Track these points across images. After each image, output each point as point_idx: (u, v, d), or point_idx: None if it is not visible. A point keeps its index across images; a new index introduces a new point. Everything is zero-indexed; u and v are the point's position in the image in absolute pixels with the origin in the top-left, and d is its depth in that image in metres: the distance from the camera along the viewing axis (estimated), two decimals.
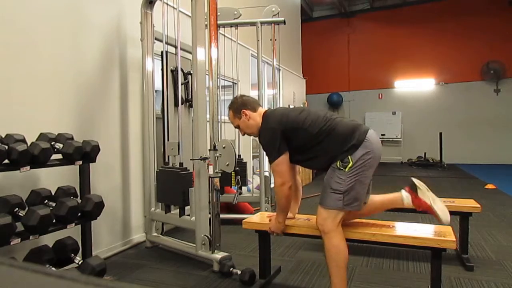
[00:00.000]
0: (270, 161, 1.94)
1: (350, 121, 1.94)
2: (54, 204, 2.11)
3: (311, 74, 10.52)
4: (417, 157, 10.38)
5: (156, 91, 3.32)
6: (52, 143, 2.16)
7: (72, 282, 0.31)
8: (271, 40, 4.18)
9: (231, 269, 2.44)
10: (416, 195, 1.96)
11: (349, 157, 1.82)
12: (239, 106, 2.09)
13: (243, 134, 2.18)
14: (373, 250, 2.89)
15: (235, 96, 2.24)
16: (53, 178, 2.45)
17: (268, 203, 3.94)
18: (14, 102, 2.29)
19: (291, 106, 7.47)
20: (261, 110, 2.10)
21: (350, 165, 1.81)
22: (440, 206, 1.87)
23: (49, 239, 2.21)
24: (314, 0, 11.65)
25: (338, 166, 1.83)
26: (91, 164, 2.37)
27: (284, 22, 3.91)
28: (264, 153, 2.03)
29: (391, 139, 10.99)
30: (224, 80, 5.02)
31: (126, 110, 3.21)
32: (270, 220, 2.19)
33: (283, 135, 1.90)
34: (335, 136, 1.87)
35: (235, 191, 3.94)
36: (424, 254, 2.73)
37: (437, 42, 10.69)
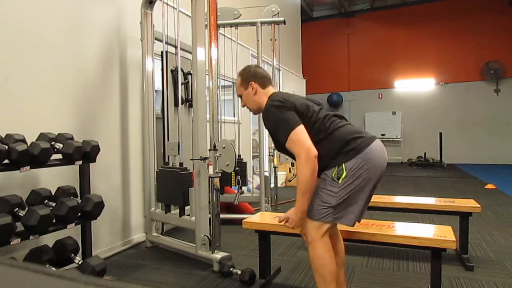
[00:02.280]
0: (284, 137, 1.66)
1: (357, 128, 1.80)
2: (54, 204, 2.11)
3: (311, 74, 10.53)
4: (417, 157, 10.38)
5: (156, 91, 3.32)
6: (52, 143, 2.16)
7: (72, 282, 0.31)
8: (271, 40, 4.18)
9: (231, 269, 2.44)
10: None
11: (344, 165, 1.66)
12: (249, 76, 1.90)
13: (243, 106, 1.99)
14: (373, 250, 2.89)
15: (249, 64, 2.07)
16: (53, 178, 2.45)
17: (268, 203, 3.94)
18: (14, 102, 2.29)
19: None
20: (270, 90, 1.89)
21: (344, 175, 1.65)
22: None
23: (49, 239, 2.21)
24: (314, 0, 11.65)
25: (333, 176, 1.67)
26: (91, 164, 2.37)
27: (284, 22, 3.92)
28: (272, 138, 1.79)
29: (391, 139, 10.99)
30: (224, 80, 5.02)
31: (126, 110, 3.21)
32: (281, 221, 1.80)
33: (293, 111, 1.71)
34: (337, 137, 1.70)
35: (236, 191, 3.94)
36: (424, 254, 2.73)
37: (437, 42, 10.69)
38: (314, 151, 1.62)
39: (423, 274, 2.45)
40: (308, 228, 1.72)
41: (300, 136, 1.64)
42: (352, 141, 1.69)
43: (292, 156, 1.75)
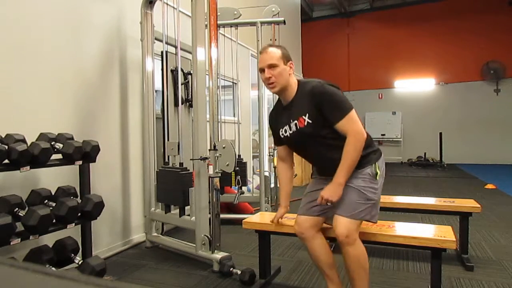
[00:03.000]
0: (342, 114, 1.73)
1: None
2: (54, 204, 2.11)
3: (311, 74, 10.52)
4: (417, 157, 10.38)
5: (156, 91, 3.32)
6: (52, 143, 2.16)
7: (72, 282, 0.31)
8: (271, 40, 4.18)
9: (231, 269, 2.44)
10: None
11: (376, 164, 1.80)
12: (289, 57, 1.91)
13: (269, 77, 1.84)
14: (373, 250, 2.89)
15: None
16: (53, 178, 2.45)
17: (268, 203, 3.94)
18: (14, 102, 2.29)
19: None
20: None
21: (379, 173, 1.80)
22: None
23: (49, 239, 2.21)
24: (314, 0, 11.65)
25: (371, 174, 1.78)
26: (91, 164, 2.37)
27: (284, 22, 3.91)
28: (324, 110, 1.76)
29: (391, 139, 10.99)
30: (224, 80, 5.02)
31: (126, 110, 3.21)
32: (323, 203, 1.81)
33: None
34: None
35: (236, 191, 3.94)
36: (424, 254, 2.73)
37: (437, 42, 10.69)
38: (365, 135, 1.75)
39: (423, 274, 2.45)
40: (351, 228, 1.74)
41: (357, 117, 1.76)
42: (374, 142, 1.90)
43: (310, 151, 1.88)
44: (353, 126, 1.73)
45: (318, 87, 1.77)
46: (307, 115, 1.79)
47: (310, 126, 1.80)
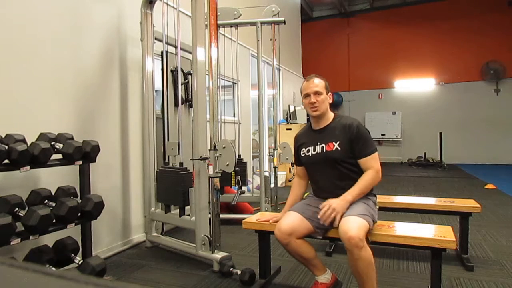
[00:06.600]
0: (370, 151, 2.02)
1: None
2: (54, 204, 2.11)
3: (311, 74, 10.50)
4: (417, 157, 10.38)
5: (156, 91, 3.32)
6: (52, 143, 2.16)
7: (72, 282, 0.31)
8: (271, 40, 4.18)
9: (231, 269, 2.44)
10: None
11: (376, 197, 2.13)
12: (329, 89, 2.17)
13: (313, 102, 2.07)
14: (373, 250, 2.88)
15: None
16: (53, 178, 2.45)
17: (268, 203, 3.94)
18: (14, 102, 2.29)
19: (291, 106, 7.48)
20: None
21: (377, 205, 2.11)
22: None
23: (49, 239, 2.21)
24: (314, 0, 11.65)
25: (373, 202, 2.06)
26: (91, 164, 2.37)
27: (284, 22, 3.91)
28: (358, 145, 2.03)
29: (391, 139, 10.98)
30: (224, 80, 5.02)
31: (126, 110, 3.21)
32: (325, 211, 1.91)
33: None
34: None
35: (235, 191, 3.94)
36: (424, 254, 2.73)
37: (437, 42, 10.68)
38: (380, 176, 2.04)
39: (423, 274, 2.45)
40: (362, 232, 1.79)
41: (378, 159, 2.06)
42: None
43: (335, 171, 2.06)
44: (376, 164, 2.01)
45: (356, 124, 2.04)
46: (338, 142, 2.04)
47: (337, 152, 2.04)
